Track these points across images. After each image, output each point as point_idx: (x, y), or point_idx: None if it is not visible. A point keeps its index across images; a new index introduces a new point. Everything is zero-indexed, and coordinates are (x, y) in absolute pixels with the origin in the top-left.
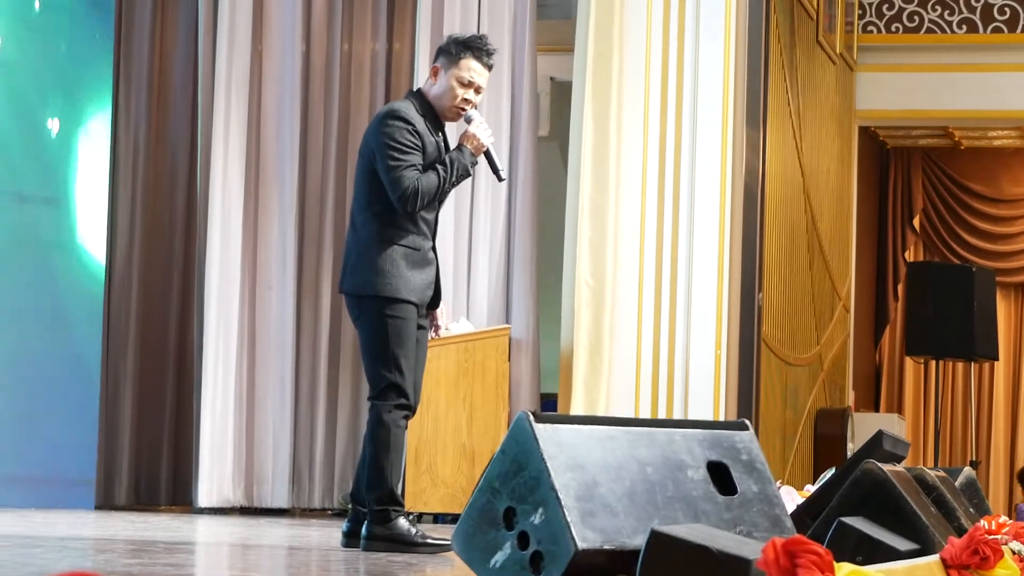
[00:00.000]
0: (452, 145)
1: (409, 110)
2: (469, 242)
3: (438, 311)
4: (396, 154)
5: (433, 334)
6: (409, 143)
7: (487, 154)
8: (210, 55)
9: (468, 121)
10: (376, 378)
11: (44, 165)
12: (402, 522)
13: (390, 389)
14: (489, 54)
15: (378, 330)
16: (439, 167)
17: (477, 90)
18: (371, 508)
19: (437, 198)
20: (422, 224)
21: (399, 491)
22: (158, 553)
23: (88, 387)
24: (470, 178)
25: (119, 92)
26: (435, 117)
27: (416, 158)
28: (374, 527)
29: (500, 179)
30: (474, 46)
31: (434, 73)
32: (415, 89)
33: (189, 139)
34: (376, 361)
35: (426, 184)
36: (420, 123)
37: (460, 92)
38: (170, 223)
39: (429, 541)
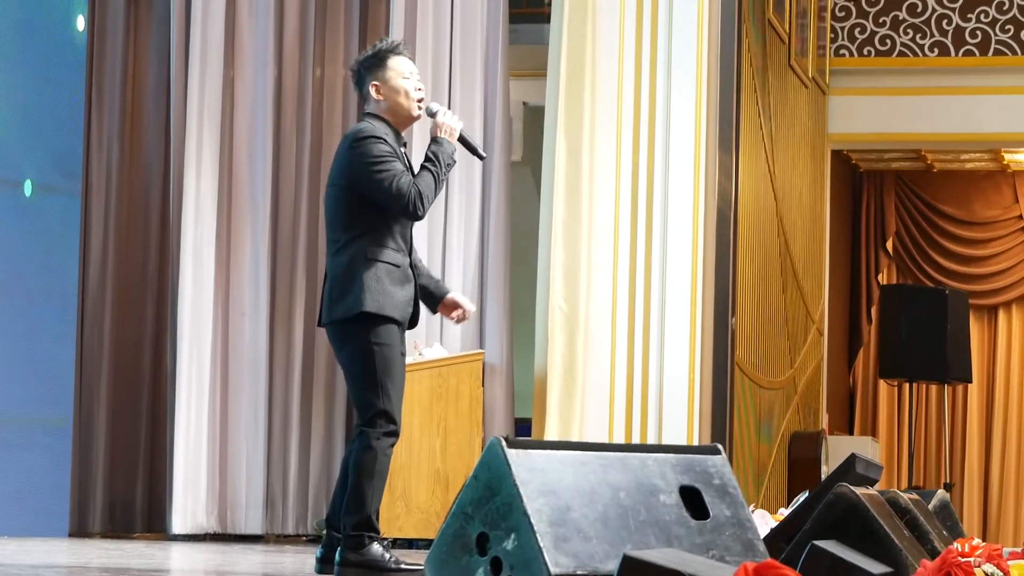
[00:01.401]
0: (414, 160)
1: (374, 127)
2: (442, 267)
3: (458, 297)
4: (381, 167)
5: (456, 320)
6: (387, 153)
7: (462, 139)
8: (182, 80)
9: (431, 114)
10: (365, 405)
11: (18, 191)
12: (376, 547)
13: (380, 416)
14: (404, 46)
15: (365, 358)
16: (427, 164)
17: (419, 79)
18: (346, 533)
19: (437, 193)
20: (400, 240)
21: (376, 518)
22: None
23: (61, 413)
24: (442, 200)
25: (91, 117)
26: (395, 134)
27: (399, 165)
28: (348, 553)
29: (481, 158)
30: (388, 48)
31: (376, 90)
32: (365, 113)
33: (162, 165)
34: (365, 389)
35: (424, 184)
36: (390, 136)
37: (409, 84)
38: (143, 249)
39: (403, 567)
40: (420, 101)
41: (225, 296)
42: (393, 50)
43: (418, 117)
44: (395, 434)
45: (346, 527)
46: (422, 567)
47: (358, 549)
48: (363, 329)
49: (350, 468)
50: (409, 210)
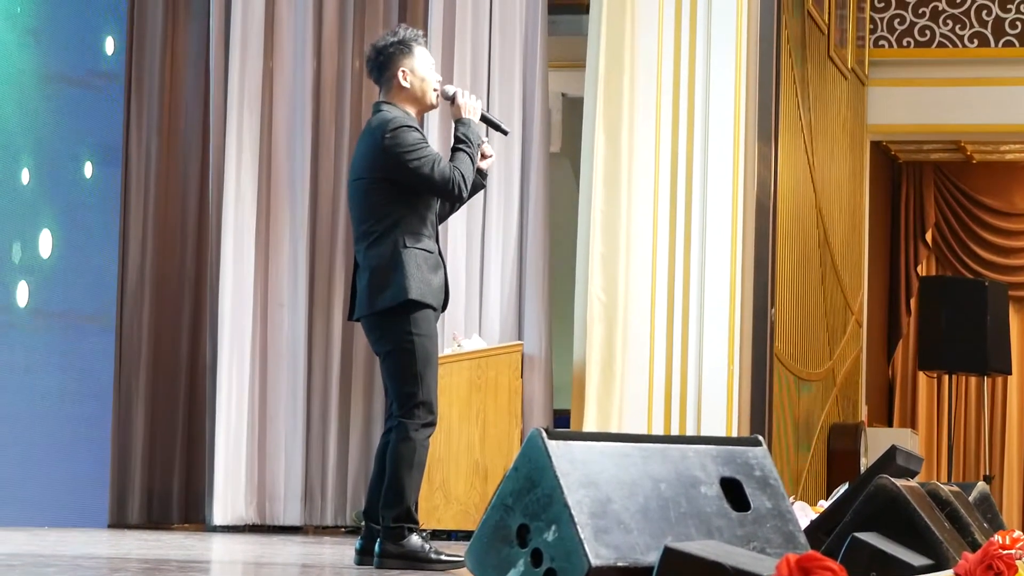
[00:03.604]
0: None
1: (403, 115)
2: (481, 258)
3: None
4: (419, 154)
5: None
6: (422, 140)
7: (484, 118)
8: (222, 72)
9: (448, 97)
10: (404, 397)
11: (55, 185)
12: (415, 539)
13: (420, 407)
14: (422, 35)
15: (405, 349)
16: (461, 146)
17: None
18: (386, 525)
19: (474, 174)
20: (430, 227)
21: (415, 509)
22: (172, 572)
23: (101, 406)
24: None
25: (131, 108)
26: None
27: (435, 150)
28: (387, 544)
29: (505, 133)
30: (412, 36)
31: (404, 76)
32: (381, 102)
33: (201, 156)
34: (404, 381)
35: (464, 167)
36: (417, 123)
37: (434, 73)
38: (182, 240)
39: (443, 558)
40: (434, 90)
41: (264, 287)
42: (416, 39)
43: (436, 106)
44: (433, 424)
45: (385, 519)
46: (461, 558)
47: (398, 540)
48: (404, 319)
49: (388, 460)
50: (456, 193)
